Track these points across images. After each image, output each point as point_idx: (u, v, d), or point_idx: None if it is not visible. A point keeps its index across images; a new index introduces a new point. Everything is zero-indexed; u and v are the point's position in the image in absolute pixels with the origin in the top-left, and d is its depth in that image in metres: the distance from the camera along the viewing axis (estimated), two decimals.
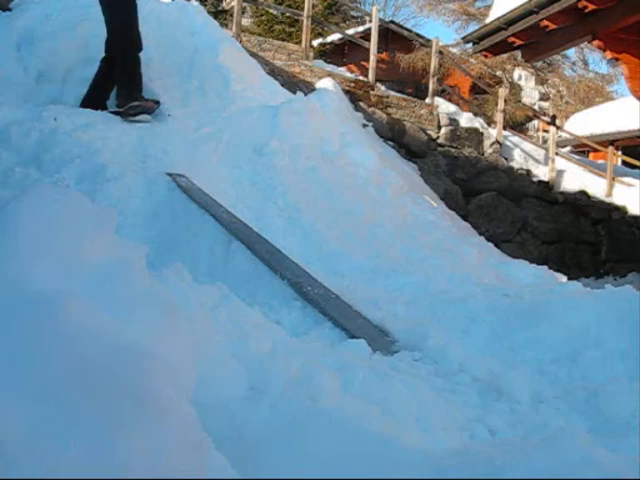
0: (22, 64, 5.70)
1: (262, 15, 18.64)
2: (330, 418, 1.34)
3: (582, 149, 17.67)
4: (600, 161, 13.42)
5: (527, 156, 10.88)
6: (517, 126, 18.32)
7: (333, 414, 1.36)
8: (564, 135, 14.90)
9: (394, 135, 9.34)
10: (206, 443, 0.99)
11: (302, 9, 10.23)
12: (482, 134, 10.37)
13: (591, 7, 6.16)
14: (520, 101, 23.56)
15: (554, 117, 12.28)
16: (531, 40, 7.55)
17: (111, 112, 5.29)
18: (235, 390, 1.43)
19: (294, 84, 8.29)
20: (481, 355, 2.44)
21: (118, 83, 5.39)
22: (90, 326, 0.96)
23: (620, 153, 14.69)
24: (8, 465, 0.76)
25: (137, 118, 5.27)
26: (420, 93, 13.07)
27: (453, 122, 10.17)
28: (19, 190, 3.72)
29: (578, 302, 2.65)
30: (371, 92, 9.51)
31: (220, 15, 15.14)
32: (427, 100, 10.24)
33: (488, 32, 7.75)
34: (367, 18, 15.72)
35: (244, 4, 10.12)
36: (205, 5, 12.88)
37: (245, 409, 1.38)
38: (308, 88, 8.20)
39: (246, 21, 18.44)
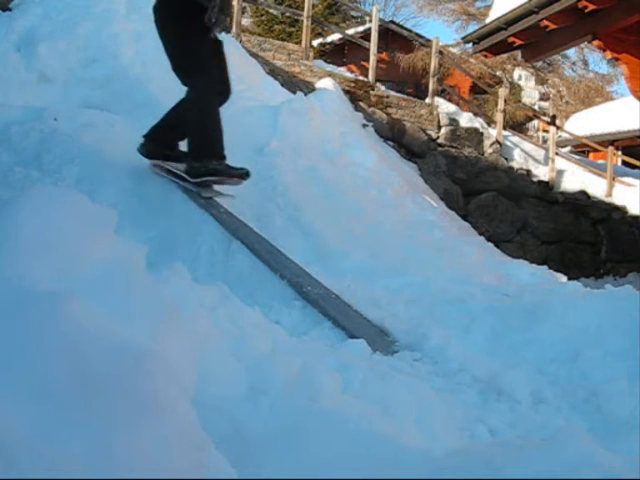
0: (22, 64, 5.70)
1: (262, 15, 18.65)
2: (330, 418, 1.34)
3: (582, 149, 17.67)
4: (600, 161, 13.42)
5: (527, 156, 10.88)
6: (517, 126, 18.31)
7: (333, 414, 1.36)
8: (564, 135, 14.90)
9: (394, 135, 9.34)
10: (206, 443, 0.99)
11: (302, 9, 10.23)
12: (482, 134, 10.37)
13: (591, 7, 6.16)
14: (520, 101, 23.57)
15: (554, 117, 12.28)
16: (531, 40, 7.55)
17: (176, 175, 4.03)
18: (235, 390, 1.43)
19: (294, 84, 8.28)
20: (481, 355, 2.44)
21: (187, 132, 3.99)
22: (90, 326, 0.96)
23: (620, 153, 14.69)
24: (8, 465, 0.76)
25: (205, 193, 3.97)
26: (420, 93, 13.07)
27: (453, 122, 10.17)
28: (19, 190, 3.73)
29: (578, 302, 2.65)
30: (371, 92, 9.51)
31: None
32: (427, 100, 10.25)
33: (488, 32, 7.76)
34: (367, 18, 15.71)
35: (244, 4, 10.11)
36: None
37: (245, 409, 1.37)
38: (308, 88, 8.20)
39: (246, 21, 18.43)
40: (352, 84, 9.29)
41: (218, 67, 3.99)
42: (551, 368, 2.36)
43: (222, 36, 4.14)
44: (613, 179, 11.14)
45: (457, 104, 11.58)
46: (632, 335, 2.34)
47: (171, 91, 5.96)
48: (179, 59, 3.93)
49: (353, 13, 21.42)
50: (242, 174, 3.96)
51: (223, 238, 3.61)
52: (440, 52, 10.77)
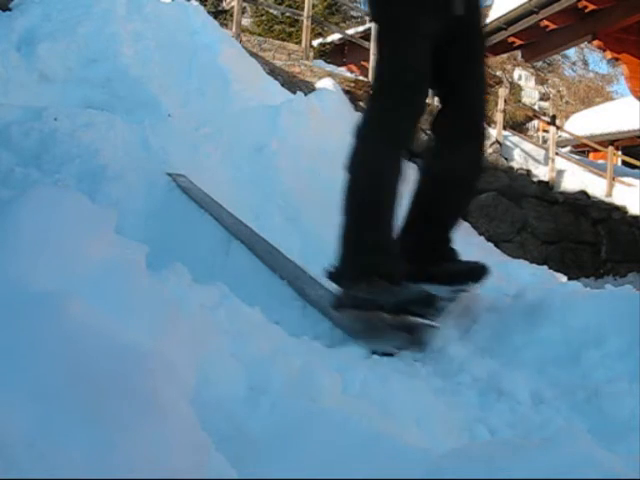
0: (22, 64, 5.70)
1: (262, 15, 18.66)
2: (330, 418, 1.34)
3: (582, 149, 17.67)
4: (600, 161, 13.42)
5: (527, 156, 10.88)
6: (517, 126, 18.32)
7: (333, 414, 1.36)
8: (564, 135, 14.90)
9: None
10: (206, 443, 0.99)
11: (302, 9, 10.24)
12: None
13: (591, 7, 6.18)
14: (520, 101, 23.59)
15: (554, 117, 12.29)
16: (531, 40, 7.57)
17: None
18: (235, 390, 1.43)
19: (294, 84, 8.29)
20: (481, 355, 2.44)
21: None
22: (91, 326, 0.96)
23: (620, 153, 14.69)
24: (8, 465, 0.76)
25: (379, 347, 2.21)
26: None
27: None
28: (19, 190, 3.72)
29: (578, 302, 2.64)
30: None
31: (220, 15, 15.16)
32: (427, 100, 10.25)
33: (488, 32, 7.76)
34: (367, 18, 15.71)
35: (244, 4, 10.12)
36: (205, 5, 12.89)
37: (245, 409, 1.38)
38: (308, 88, 8.20)
39: (246, 21, 18.45)
40: (352, 84, 9.29)
41: (464, 88, 2.38)
42: (551, 368, 2.35)
43: None
44: (613, 179, 11.14)
45: None
46: (632, 335, 2.34)
47: (172, 91, 5.98)
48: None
49: (353, 13, 21.42)
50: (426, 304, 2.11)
51: (223, 238, 3.62)
52: None
